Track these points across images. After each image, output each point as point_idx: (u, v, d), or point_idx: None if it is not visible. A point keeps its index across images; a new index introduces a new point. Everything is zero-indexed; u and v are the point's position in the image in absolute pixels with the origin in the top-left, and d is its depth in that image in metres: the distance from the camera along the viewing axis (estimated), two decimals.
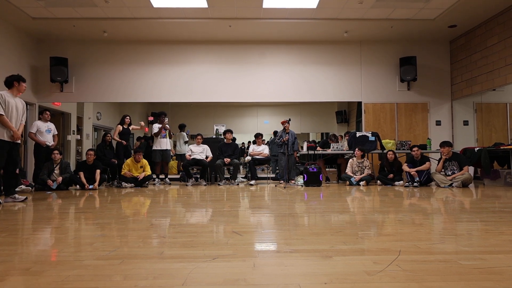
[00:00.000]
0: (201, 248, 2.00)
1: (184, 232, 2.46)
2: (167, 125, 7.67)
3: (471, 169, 7.05)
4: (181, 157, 8.91)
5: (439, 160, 6.67)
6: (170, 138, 7.91)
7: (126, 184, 6.80)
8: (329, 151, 7.63)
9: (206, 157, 7.46)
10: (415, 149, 6.77)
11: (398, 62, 8.60)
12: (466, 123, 8.65)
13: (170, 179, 7.82)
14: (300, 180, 6.97)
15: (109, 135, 7.62)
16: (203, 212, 3.42)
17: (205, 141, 7.81)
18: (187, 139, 9.20)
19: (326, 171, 8.12)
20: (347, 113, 11.84)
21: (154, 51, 8.52)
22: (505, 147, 6.52)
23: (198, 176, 7.47)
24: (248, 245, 2.07)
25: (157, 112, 8.16)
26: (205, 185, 7.15)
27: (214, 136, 8.54)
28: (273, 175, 8.48)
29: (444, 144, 6.57)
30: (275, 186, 6.81)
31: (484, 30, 7.62)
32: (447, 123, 8.75)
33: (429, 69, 8.75)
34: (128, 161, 7.02)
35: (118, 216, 3.19)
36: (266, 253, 1.89)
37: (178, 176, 8.42)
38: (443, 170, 6.53)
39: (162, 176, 7.65)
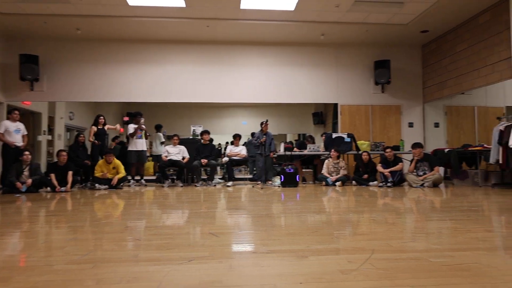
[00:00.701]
0: (177, 250, 1.98)
1: (160, 234, 2.43)
2: (143, 126, 7.54)
3: (441, 170, 7.30)
4: (157, 158, 8.79)
5: (411, 161, 6.88)
6: (146, 139, 7.78)
7: (100, 186, 6.63)
8: (305, 152, 7.72)
9: (183, 158, 7.39)
10: (388, 150, 6.96)
11: (372, 65, 8.80)
12: (437, 125, 8.96)
13: (146, 181, 7.69)
14: (277, 180, 7.01)
15: (82, 135, 7.42)
16: (179, 214, 3.38)
17: (182, 142, 7.73)
18: (164, 140, 9.08)
19: (302, 171, 8.21)
20: (323, 114, 12.01)
21: (130, 50, 8.35)
22: (473, 149, 6.80)
23: (175, 177, 7.38)
24: (225, 246, 2.06)
25: (133, 112, 8.01)
26: (182, 186, 7.07)
27: (191, 137, 8.46)
28: (251, 176, 8.50)
29: (415, 145, 6.78)
30: (252, 187, 6.82)
31: (454, 36, 7.92)
32: (419, 125, 9.03)
33: (402, 73, 9.01)
34: (100, 162, 6.85)
35: (91, 219, 3.11)
36: (243, 254, 1.89)
37: (154, 177, 8.29)
38: (415, 170, 6.74)
39: (137, 178, 7.50)
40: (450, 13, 7.13)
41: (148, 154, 8.59)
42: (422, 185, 6.37)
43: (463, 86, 7.65)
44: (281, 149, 7.73)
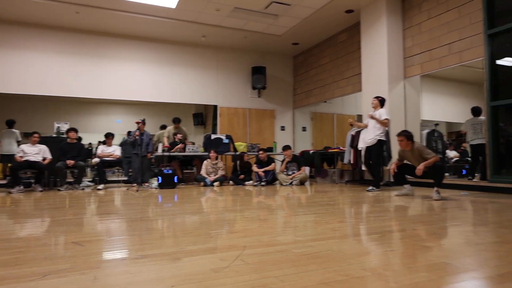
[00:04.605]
0: (29, 265, 1.72)
1: (7, 248, 2.07)
2: None
3: (307, 169, 8.15)
4: (9, 158, 7.48)
5: (282, 161, 7.48)
6: None
7: None
8: (184, 152, 7.63)
9: (44, 159, 6.47)
10: (261, 152, 7.43)
11: (250, 71, 9.28)
12: (304, 129, 9.98)
13: None
14: (154, 182, 6.76)
15: None
16: (37, 223, 2.95)
17: (43, 140, 6.76)
18: (20, 138, 7.79)
19: (181, 172, 8.10)
20: (204, 115, 12.09)
21: None
22: (332, 150, 7.79)
23: (33, 181, 6.41)
24: (90, 255, 1.88)
25: None
26: (41, 191, 6.19)
27: (54, 135, 7.49)
28: (125, 178, 7.98)
29: (285, 147, 7.43)
30: (127, 189, 6.42)
31: (318, 50, 8.95)
32: (290, 128, 9.91)
33: (276, 80, 9.75)
34: None
35: None
36: (111, 263, 1.76)
37: (5, 182, 7.04)
38: (285, 170, 7.35)
39: None
40: (316, 30, 8.04)
41: None
42: (291, 183, 7.00)
43: (326, 95, 8.71)
44: (159, 150, 7.47)
